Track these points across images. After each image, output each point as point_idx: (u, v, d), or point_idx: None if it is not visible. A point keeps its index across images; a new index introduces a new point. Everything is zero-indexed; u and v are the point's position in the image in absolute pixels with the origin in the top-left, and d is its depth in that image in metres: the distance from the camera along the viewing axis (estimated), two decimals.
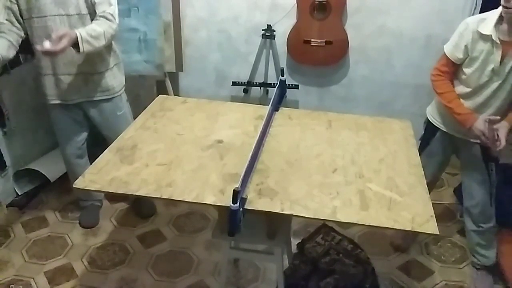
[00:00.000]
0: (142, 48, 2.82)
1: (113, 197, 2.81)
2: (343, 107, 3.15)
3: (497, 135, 1.84)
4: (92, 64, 2.17)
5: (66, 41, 1.82)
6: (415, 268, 2.33)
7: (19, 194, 2.77)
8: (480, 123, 1.87)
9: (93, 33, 1.97)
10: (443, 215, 2.66)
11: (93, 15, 2.10)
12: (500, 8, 1.80)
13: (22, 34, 2.09)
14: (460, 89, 1.99)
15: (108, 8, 2.09)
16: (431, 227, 1.37)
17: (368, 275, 1.99)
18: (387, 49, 2.97)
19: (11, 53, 2.04)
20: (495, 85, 1.88)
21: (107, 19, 2.08)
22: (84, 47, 1.93)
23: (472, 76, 1.93)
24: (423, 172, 1.65)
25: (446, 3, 2.75)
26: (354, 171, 1.64)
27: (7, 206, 2.72)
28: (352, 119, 2.03)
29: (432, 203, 1.48)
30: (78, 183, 1.55)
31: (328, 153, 1.75)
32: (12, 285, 2.19)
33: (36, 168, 2.77)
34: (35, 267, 2.31)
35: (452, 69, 1.98)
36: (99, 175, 1.58)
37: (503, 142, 1.83)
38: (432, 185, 2.28)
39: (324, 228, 2.19)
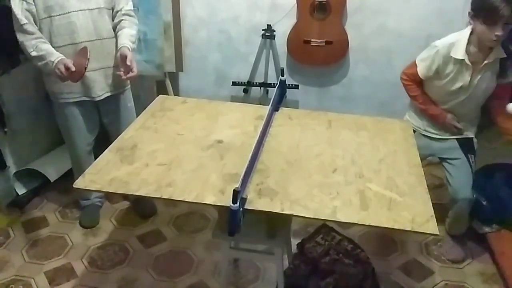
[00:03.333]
0: (142, 48, 2.82)
1: (113, 197, 2.81)
2: (343, 107, 3.14)
3: None
4: (110, 58, 2.19)
5: (132, 59, 2.08)
6: (415, 268, 2.33)
7: (19, 194, 2.77)
8: (450, 118, 2.22)
9: (133, 39, 2.19)
10: (443, 215, 2.66)
11: (109, 9, 2.16)
12: (467, 31, 2.03)
13: None
14: (429, 95, 2.24)
15: (127, 5, 2.22)
16: (431, 227, 1.37)
17: (368, 275, 1.99)
18: (387, 49, 2.97)
19: None
20: (461, 97, 2.15)
21: (130, 16, 2.24)
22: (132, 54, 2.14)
23: (441, 89, 2.18)
24: (423, 172, 1.65)
25: (446, 3, 2.75)
26: (354, 171, 1.64)
27: (7, 206, 2.72)
28: (352, 119, 2.03)
29: (432, 203, 1.48)
30: (78, 183, 1.55)
31: (328, 153, 1.75)
32: (12, 285, 2.19)
33: (36, 168, 2.77)
34: (35, 267, 2.31)
35: (420, 81, 2.23)
36: (99, 175, 1.58)
37: None
38: None
39: (324, 228, 2.19)
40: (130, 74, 2.09)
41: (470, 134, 2.28)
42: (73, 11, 2.04)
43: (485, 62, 2.02)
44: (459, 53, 2.03)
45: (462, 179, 2.24)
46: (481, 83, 2.08)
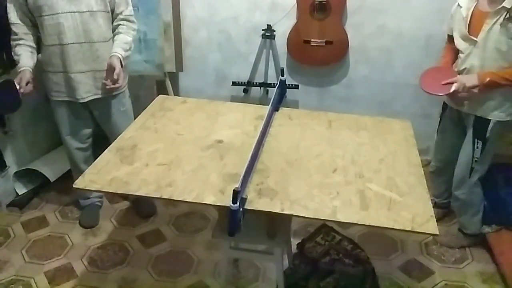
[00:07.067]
0: (142, 48, 2.82)
1: (113, 197, 2.81)
2: (343, 107, 3.14)
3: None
4: (101, 61, 2.18)
5: (120, 72, 2.09)
6: (415, 268, 2.33)
7: (19, 194, 2.77)
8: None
9: (127, 46, 2.18)
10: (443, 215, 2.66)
11: (104, 12, 2.14)
12: None
13: (38, 33, 2.13)
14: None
15: (126, 9, 2.22)
16: (431, 227, 1.37)
17: (368, 275, 1.99)
18: (387, 49, 2.97)
19: (35, 58, 2.14)
20: (467, 53, 2.04)
21: (129, 21, 2.24)
22: (124, 63, 2.16)
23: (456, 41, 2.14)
24: (423, 172, 1.65)
25: (446, 3, 2.73)
26: (354, 171, 1.64)
27: (7, 206, 2.72)
28: (352, 119, 2.03)
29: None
30: (78, 183, 1.55)
31: (328, 153, 1.75)
32: (12, 285, 2.19)
33: (36, 168, 2.77)
34: (35, 267, 2.31)
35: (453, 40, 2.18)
36: (99, 175, 1.58)
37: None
38: (447, 169, 2.43)
39: (324, 228, 2.20)
40: (115, 85, 2.12)
41: (485, 114, 2.07)
42: (62, 13, 2.04)
43: (489, 11, 1.92)
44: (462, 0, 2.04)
45: (459, 165, 2.25)
46: (487, 39, 1.94)
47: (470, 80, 1.97)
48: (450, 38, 2.22)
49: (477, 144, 2.14)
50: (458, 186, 2.29)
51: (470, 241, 2.42)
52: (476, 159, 2.17)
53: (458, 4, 2.08)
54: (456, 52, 2.18)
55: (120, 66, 2.10)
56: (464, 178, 2.24)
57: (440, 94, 2.07)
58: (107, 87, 2.13)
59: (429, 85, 2.09)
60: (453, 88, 1.99)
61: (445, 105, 2.32)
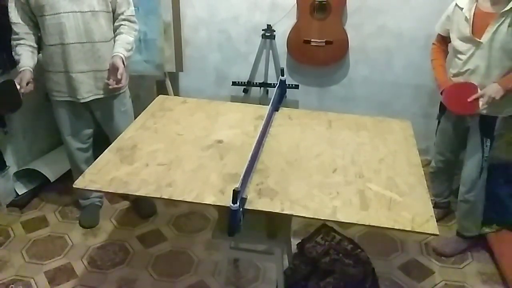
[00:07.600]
0: (142, 48, 2.82)
1: (113, 197, 2.81)
2: (343, 107, 3.14)
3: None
4: (102, 61, 2.18)
5: (123, 72, 2.10)
6: (415, 268, 2.33)
7: (19, 194, 2.77)
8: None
9: (129, 47, 2.19)
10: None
11: (106, 12, 2.14)
12: None
13: (39, 33, 2.13)
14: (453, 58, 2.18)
15: (128, 10, 2.23)
16: (431, 227, 1.37)
17: (368, 275, 1.99)
18: (387, 49, 2.97)
19: (36, 58, 2.14)
20: (470, 54, 2.03)
21: (131, 21, 2.24)
22: (126, 63, 2.17)
23: (453, 42, 2.13)
24: (423, 172, 1.65)
25: (446, 3, 2.73)
26: (354, 171, 1.64)
27: (7, 206, 2.72)
28: (352, 119, 2.03)
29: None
30: (78, 183, 1.55)
31: (328, 153, 1.75)
32: (12, 285, 2.19)
33: (36, 168, 2.77)
34: (35, 267, 2.31)
35: (444, 42, 2.25)
36: (99, 175, 1.58)
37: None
38: (447, 169, 2.43)
39: (324, 228, 2.19)
40: (118, 85, 2.13)
41: (492, 112, 2.06)
42: (64, 12, 2.04)
43: (492, 12, 1.92)
44: (462, 0, 2.03)
45: (468, 166, 2.22)
46: (493, 40, 1.93)
47: (497, 92, 1.94)
48: (443, 39, 2.22)
49: (486, 142, 2.14)
50: (470, 188, 2.24)
51: (470, 243, 2.41)
52: (486, 157, 2.16)
53: (457, 5, 2.06)
54: (446, 53, 2.20)
55: (123, 66, 2.11)
56: (475, 180, 2.22)
57: (471, 113, 2.06)
58: (110, 87, 2.13)
59: (455, 105, 2.09)
60: (481, 103, 1.98)
61: (442, 106, 2.30)
